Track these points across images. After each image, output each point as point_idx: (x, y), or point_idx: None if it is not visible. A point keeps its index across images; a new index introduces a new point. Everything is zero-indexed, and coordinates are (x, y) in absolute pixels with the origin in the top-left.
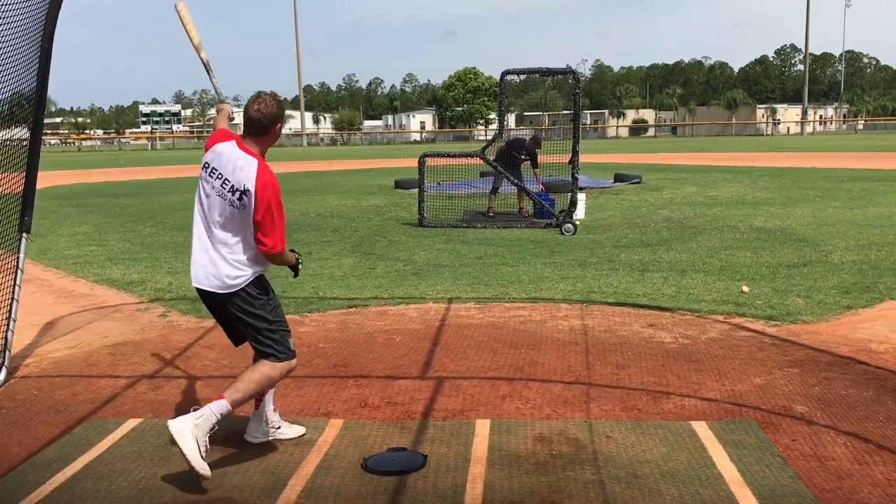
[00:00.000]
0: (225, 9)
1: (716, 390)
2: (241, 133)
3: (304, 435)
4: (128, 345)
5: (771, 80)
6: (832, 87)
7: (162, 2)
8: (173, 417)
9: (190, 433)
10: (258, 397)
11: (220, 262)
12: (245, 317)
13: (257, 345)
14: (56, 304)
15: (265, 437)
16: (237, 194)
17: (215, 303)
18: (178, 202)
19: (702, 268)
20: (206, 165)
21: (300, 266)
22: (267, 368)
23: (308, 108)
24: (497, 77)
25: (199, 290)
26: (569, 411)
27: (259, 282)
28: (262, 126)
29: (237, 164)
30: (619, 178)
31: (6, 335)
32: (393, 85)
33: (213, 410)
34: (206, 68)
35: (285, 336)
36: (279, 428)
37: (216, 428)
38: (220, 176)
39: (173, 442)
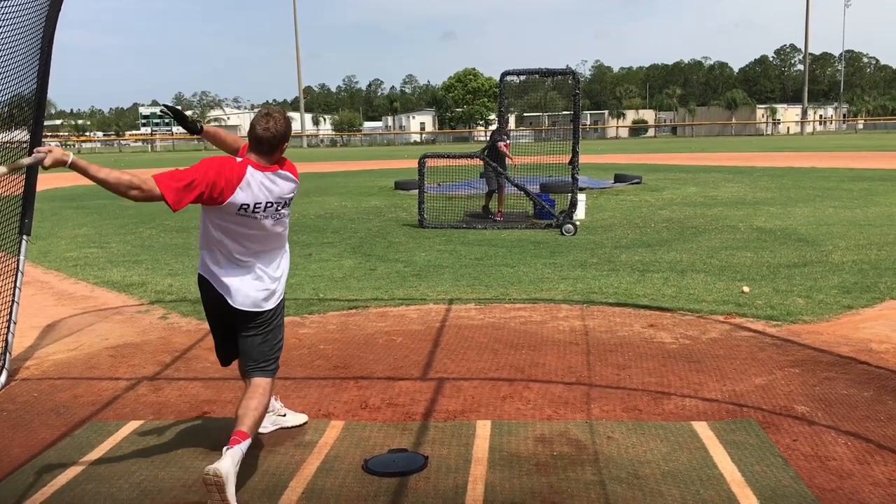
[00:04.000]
0: (224, 9)
1: (717, 390)
2: (251, 152)
3: (306, 423)
4: (128, 347)
5: (771, 80)
6: (832, 87)
7: (162, 3)
8: (175, 420)
9: (234, 477)
10: None
11: (278, 279)
12: (273, 329)
13: (265, 360)
14: (56, 306)
15: (273, 426)
16: (288, 203)
17: (253, 318)
18: None
19: (702, 268)
20: (246, 207)
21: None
22: (266, 385)
23: (308, 110)
24: (497, 78)
25: (235, 311)
26: (570, 412)
27: None
28: (271, 145)
29: (279, 184)
30: (619, 178)
31: (7, 337)
32: (393, 86)
33: (243, 449)
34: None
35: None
36: (284, 416)
37: None
38: (269, 205)
39: (216, 486)
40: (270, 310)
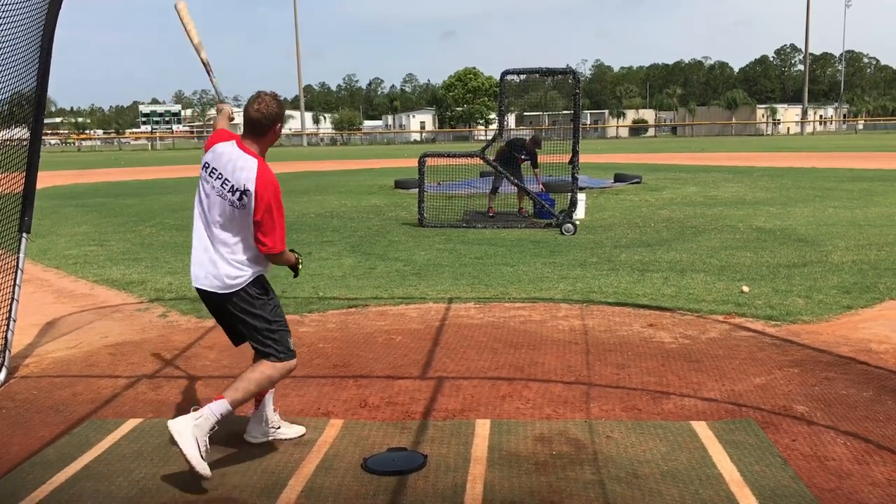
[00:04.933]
0: (225, 8)
1: (716, 390)
2: (242, 133)
3: (303, 435)
4: (128, 345)
5: (771, 80)
6: (832, 87)
7: (162, 1)
8: (173, 417)
9: (190, 433)
10: (258, 397)
11: (219, 261)
12: (245, 316)
13: (257, 345)
14: (56, 304)
15: (265, 438)
16: (237, 194)
17: (215, 303)
18: (178, 202)
19: (702, 268)
20: (206, 165)
21: (300, 266)
22: (267, 368)
23: (308, 108)
24: (497, 77)
25: (198, 289)
26: (569, 411)
27: (259, 282)
28: (261, 126)
29: (237, 163)
30: (619, 178)
31: (6, 335)
32: (393, 85)
33: (213, 411)
34: (206, 68)
35: (285, 336)
36: (279, 428)
37: (216, 428)
38: (219, 176)
39: (173, 442)
40: (225, 294)
